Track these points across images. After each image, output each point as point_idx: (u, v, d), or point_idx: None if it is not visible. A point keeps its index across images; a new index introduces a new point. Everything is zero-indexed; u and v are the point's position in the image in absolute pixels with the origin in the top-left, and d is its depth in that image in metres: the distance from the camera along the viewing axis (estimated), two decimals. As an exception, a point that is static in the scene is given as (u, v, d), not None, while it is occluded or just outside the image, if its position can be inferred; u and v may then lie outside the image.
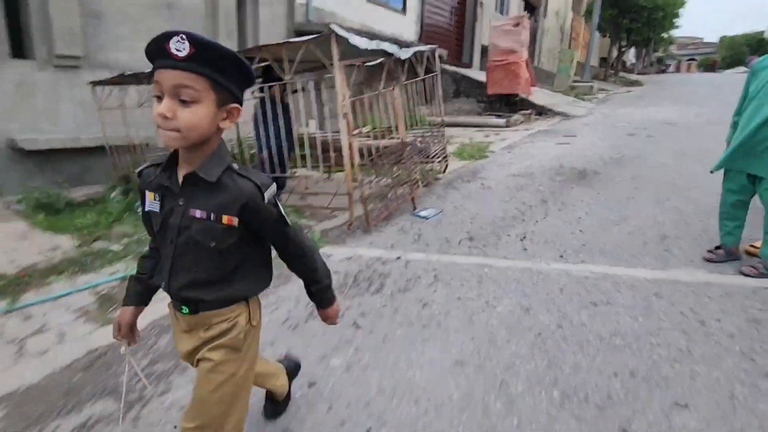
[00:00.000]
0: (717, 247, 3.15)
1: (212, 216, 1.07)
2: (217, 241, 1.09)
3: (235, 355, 1.19)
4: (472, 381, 1.97)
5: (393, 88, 4.22)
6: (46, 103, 5.34)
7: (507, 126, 9.60)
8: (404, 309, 2.60)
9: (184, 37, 0.94)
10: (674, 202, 4.35)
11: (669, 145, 7.06)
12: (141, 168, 1.18)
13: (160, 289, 1.26)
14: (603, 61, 29.74)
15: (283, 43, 3.38)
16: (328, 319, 1.37)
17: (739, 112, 3.04)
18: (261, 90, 4.27)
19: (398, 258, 3.30)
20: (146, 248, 1.34)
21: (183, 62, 0.95)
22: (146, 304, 1.33)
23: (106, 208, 4.42)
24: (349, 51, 3.66)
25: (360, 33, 6.93)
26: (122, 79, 4.71)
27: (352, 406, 1.84)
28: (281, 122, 4.01)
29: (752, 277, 2.84)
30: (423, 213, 4.19)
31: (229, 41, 7.34)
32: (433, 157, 5.22)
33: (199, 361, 1.19)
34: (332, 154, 4.19)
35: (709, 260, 3.10)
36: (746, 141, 2.84)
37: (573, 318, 2.44)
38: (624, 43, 27.14)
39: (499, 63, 10.42)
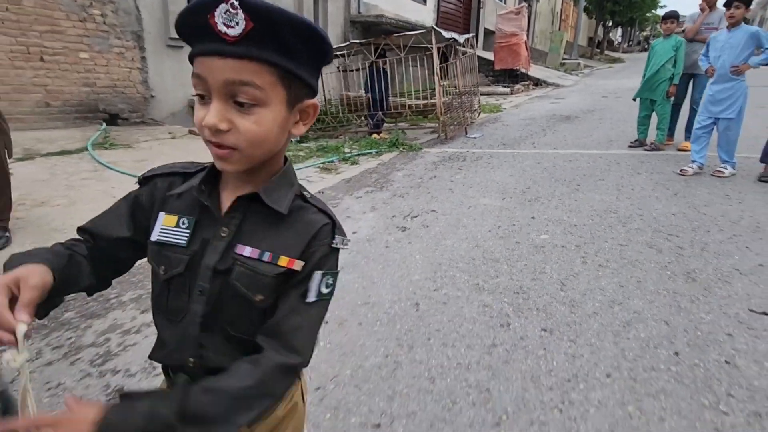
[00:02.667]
0: (635, 141, 6.02)
1: (266, 255, 0.68)
2: (264, 293, 0.69)
3: None
4: (512, 183, 4.82)
5: (455, 63, 6.99)
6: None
7: (511, 93, 12.40)
8: (478, 166, 5.43)
9: (236, 4, 0.57)
10: (621, 127, 7.24)
11: (627, 102, 9.90)
12: (152, 173, 0.78)
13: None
14: (590, 40, 32.42)
15: (402, 34, 6.12)
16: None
17: (645, 72, 5.85)
18: (372, 62, 7.02)
19: (467, 151, 6.13)
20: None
21: (237, 46, 0.59)
22: (65, 290, 0.68)
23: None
24: (426, 38, 6.36)
25: (397, 20, 9.96)
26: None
27: (465, 191, 4.68)
28: (382, 81, 6.78)
29: (648, 150, 5.72)
30: (472, 135, 7.05)
31: (309, 30, 10.00)
32: (472, 107, 8.03)
33: None
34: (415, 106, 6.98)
35: (630, 146, 5.98)
36: (646, 82, 5.67)
37: (560, 165, 5.30)
38: (609, 23, 29.79)
39: (504, 44, 13.15)
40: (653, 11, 36.84)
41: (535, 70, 15.08)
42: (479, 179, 4.85)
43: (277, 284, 0.69)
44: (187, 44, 0.63)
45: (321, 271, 0.69)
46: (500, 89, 12.74)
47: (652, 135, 5.94)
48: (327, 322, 2.30)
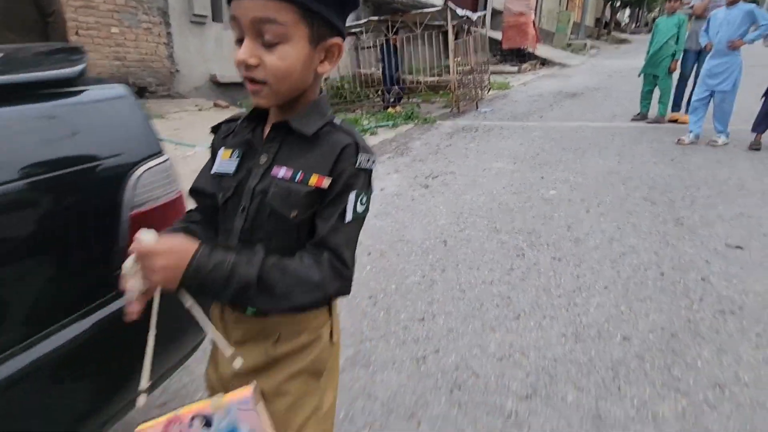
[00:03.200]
0: (638, 114, 6.38)
1: (298, 176, 0.75)
2: (298, 209, 0.76)
3: (317, 383, 0.86)
4: (522, 150, 5.21)
5: (468, 40, 7.30)
6: (229, 52, 8.39)
7: (519, 72, 12.66)
8: (490, 136, 5.82)
9: None
10: (624, 104, 7.57)
11: (632, 81, 10.18)
12: (219, 122, 0.90)
13: None
14: (597, 21, 32.20)
15: (418, 12, 6.43)
16: None
17: (648, 48, 6.16)
18: (385, 36, 7.33)
19: (479, 124, 6.51)
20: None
21: None
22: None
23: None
24: (442, 16, 6.67)
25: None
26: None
27: (480, 157, 5.08)
28: (394, 58, 7.12)
29: (649, 123, 6.09)
30: (483, 109, 7.41)
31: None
32: (483, 83, 8.35)
33: (263, 394, 0.80)
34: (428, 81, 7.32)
35: (632, 120, 6.34)
36: (650, 58, 6.00)
37: (567, 135, 5.68)
38: (617, 4, 29.56)
39: (512, 23, 13.34)
40: (662, -9, 36.57)
41: (542, 50, 15.27)
42: (492, 147, 5.24)
43: (310, 201, 0.75)
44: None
45: (354, 191, 0.75)
46: (508, 68, 12.98)
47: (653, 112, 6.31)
48: (370, 254, 2.74)
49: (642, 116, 6.34)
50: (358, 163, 0.75)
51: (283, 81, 0.70)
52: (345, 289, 0.76)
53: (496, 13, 17.94)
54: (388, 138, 5.82)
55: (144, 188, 1.00)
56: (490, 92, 9.12)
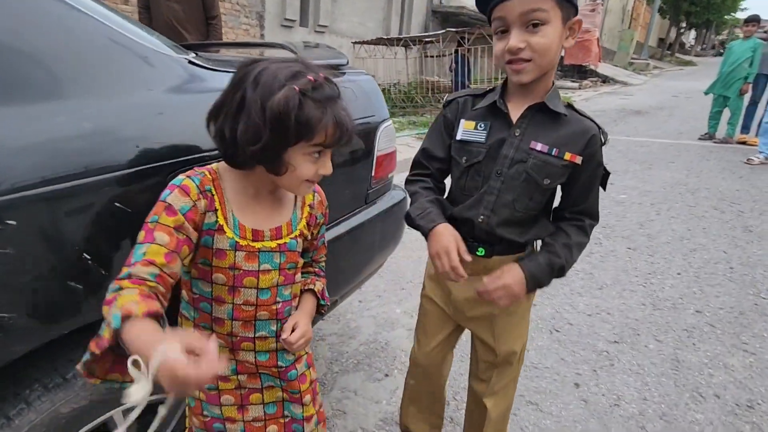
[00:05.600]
0: (705, 134, 6.50)
1: (554, 151, 0.95)
2: (551, 178, 0.96)
3: (528, 303, 1.15)
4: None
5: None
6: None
7: (579, 88, 12.78)
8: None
9: None
10: (690, 123, 7.64)
11: (699, 102, 10.15)
12: (452, 97, 1.10)
13: None
14: (661, 41, 31.37)
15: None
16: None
17: (720, 69, 6.29)
18: (458, 46, 7.79)
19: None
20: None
21: None
22: None
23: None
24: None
25: (476, 12, 10.57)
26: (372, 41, 8.32)
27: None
28: (465, 67, 7.55)
29: (717, 143, 6.21)
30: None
31: (395, 17, 10.88)
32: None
33: (469, 320, 1.14)
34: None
35: (699, 138, 6.47)
36: (722, 79, 6.14)
37: (633, 148, 5.90)
38: (683, 25, 28.70)
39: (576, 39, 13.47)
40: (732, 14, 35.03)
41: (603, 68, 15.27)
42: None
43: (562, 173, 0.96)
44: (481, 11, 0.92)
45: (603, 166, 1.00)
46: (569, 83, 13.12)
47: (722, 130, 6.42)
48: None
49: (710, 136, 6.46)
50: (604, 143, 0.98)
51: (545, 55, 0.88)
52: None
53: (557, 28, 18.03)
54: (459, 140, 6.26)
55: (383, 140, 1.48)
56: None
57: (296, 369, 0.94)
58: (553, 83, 0.99)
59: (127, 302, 0.60)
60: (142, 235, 0.71)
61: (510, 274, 0.96)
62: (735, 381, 1.80)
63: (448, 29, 7.76)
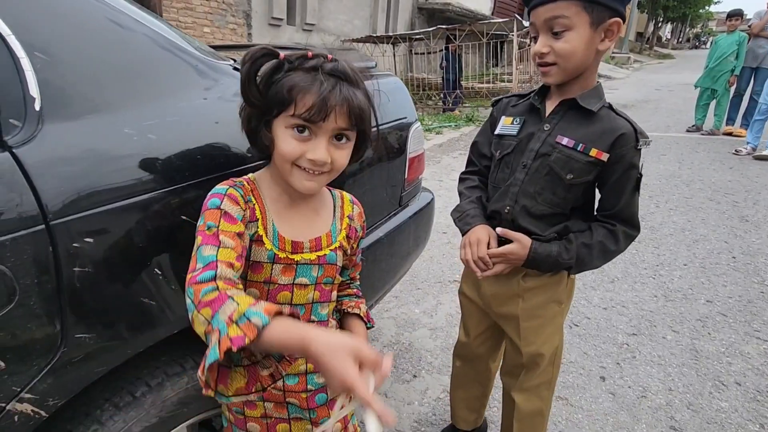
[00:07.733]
0: (692, 126, 6.66)
1: (579, 146, 0.95)
2: (575, 173, 0.96)
3: (559, 308, 1.12)
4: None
5: (528, 49, 7.71)
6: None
7: (565, 82, 12.94)
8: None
9: None
10: (676, 116, 7.82)
11: (681, 95, 10.39)
12: (500, 96, 1.17)
13: None
14: (639, 35, 31.98)
15: (486, 23, 6.89)
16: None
17: (707, 63, 6.44)
18: (448, 43, 7.82)
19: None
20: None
21: None
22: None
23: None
24: (508, 26, 7.09)
25: (461, 9, 10.71)
26: (360, 39, 8.29)
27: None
28: (455, 64, 7.59)
29: (705, 134, 6.37)
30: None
31: (381, 14, 10.85)
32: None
33: (520, 314, 1.10)
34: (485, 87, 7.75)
35: (687, 131, 6.62)
36: (708, 73, 6.28)
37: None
38: (660, 19, 29.30)
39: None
40: (706, 7, 35.92)
41: (587, 62, 15.50)
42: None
43: (587, 169, 0.95)
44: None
45: (637, 169, 0.96)
46: (553, 78, 13.28)
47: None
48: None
49: (697, 128, 6.61)
50: (639, 145, 0.95)
51: (569, 60, 0.90)
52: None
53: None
54: (454, 137, 6.28)
55: (413, 141, 1.47)
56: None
57: (326, 393, 0.87)
58: (598, 83, 1.00)
59: (253, 302, 0.58)
60: (201, 239, 0.66)
61: (518, 245, 1.00)
62: (753, 368, 1.86)
63: (438, 26, 7.78)
